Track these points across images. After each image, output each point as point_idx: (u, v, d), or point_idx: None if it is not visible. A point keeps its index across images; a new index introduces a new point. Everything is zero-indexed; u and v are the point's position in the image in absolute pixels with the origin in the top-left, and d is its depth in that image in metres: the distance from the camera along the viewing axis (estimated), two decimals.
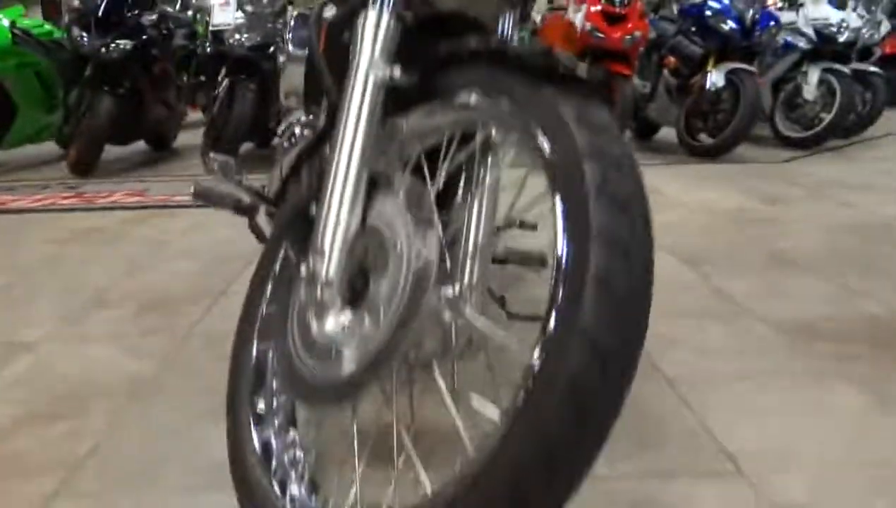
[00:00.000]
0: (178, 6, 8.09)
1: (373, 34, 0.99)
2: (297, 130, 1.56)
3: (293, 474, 1.00)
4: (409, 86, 0.99)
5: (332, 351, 0.89)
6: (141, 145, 5.31)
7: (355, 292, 0.90)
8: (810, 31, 5.17)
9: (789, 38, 5.20)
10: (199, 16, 7.85)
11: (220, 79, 4.60)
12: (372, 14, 0.99)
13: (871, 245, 2.60)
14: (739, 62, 4.69)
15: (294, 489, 0.98)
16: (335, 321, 0.88)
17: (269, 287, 1.14)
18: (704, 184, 3.83)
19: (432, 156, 1.02)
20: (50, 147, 5.19)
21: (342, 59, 1.02)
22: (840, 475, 1.18)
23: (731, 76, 4.61)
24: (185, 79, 5.78)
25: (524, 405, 0.64)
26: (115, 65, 4.41)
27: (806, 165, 4.50)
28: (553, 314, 0.66)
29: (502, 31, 1.27)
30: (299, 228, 0.99)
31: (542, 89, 0.83)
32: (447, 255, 0.89)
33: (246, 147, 5.01)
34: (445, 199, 1.04)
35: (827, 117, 5.05)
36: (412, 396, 0.97)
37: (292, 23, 1.57)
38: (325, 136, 1.17)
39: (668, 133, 5.37)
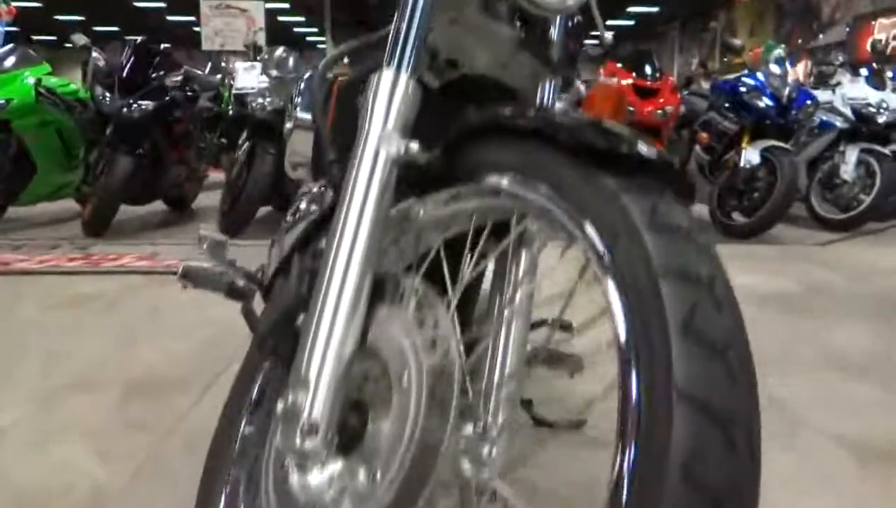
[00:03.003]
0: (207, 69, 8.21)
1: (387, 100, 0.80)
2: (303, 205, 1.39)
3: None
4: (428, 165, 0.80)
5: None
6: (159, 205, 5.23)
7: (348, 434, 0.69)
8: (847, 111, 5.01)
9: (825, 118, 5.04)
10: (226, 79, 7.94)
11: (240, 141, 4.53)
12: (387, 75, 0.81)
13: None
14: (775, 140, 4.53)
15: None
16: (320, 474, 0.67)
17: (251, 400, 0.94)
18: (742, 268, 3.60)
19: (453, 252, 0.83)
20: (69, 204, 5.12)
21: (354, 129, 0.85)
22: None
23: (766, 154, 4.44)
24: (209, 139, 5.75)
25: None
26: (135, 125, 4.35)
27: (846, 249, 4.26)
28: None
29: (541, 101, 1.10)
30: (284, 341, 0.80)
31: (599, 176, 0.64)
32: (469, 387, 0.69)
33: (265, 211, 4.89)
34: (467, 310, 0.85)
35: (866, 199, 4.84)
36: None
37: (302, 84, 1.42)
38: (324, 222, 0.99)
39: (698, 209, 5.18)
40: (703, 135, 4.79)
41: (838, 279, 3.34)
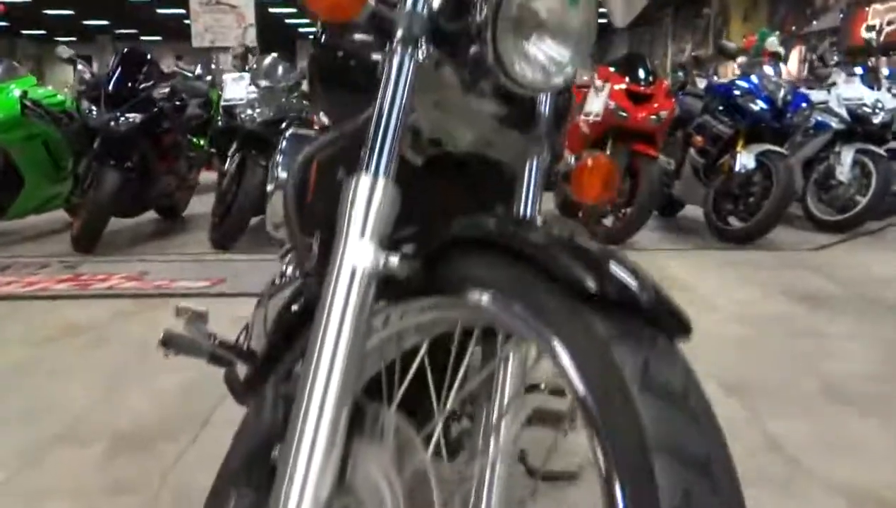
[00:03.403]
0: (197, 69, 8.11)
1: (364, 208, 0.76)
2: (289, 270, 1.35)
3: None
4: (408, 277, 0.76)
5: None
6: (150, 214, 5.17)
7: None
8: (843, 112, 4.97)
9: (820, 118, 5.00)
10: (216, 79, 7.85)
11: (230, 153, 4.47)
12: (364, 181, 0.77)
13: None
14: (770, 144, 4.48)
15: None
16: None
17: None
18: (738, 278, 3.58)
19: (439, 349, 0.79)
20: (58, 215, 5.07)
21: (333, 208, 0.79)
22: None
23: (762, 158, 4.40)
24: (200, 144, 5.68)
25: None
26: (123, 139, 4.28)
27: (843, 254, 4.24)
28: None
29: (530, 176, 1.05)
30: (259, 472, 0.75)
31: (585, 313, 0.61)
32: None
33: (257, 219, 4.83)
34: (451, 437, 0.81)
35: (862, 200, 4.81)
36: None
37: (284, 143, 1.37)
38: (306, 314, 0.94)
39: (692, 210, 5.15)
40: (698, 139, 4.74)
41: (837, 291, 3.30)
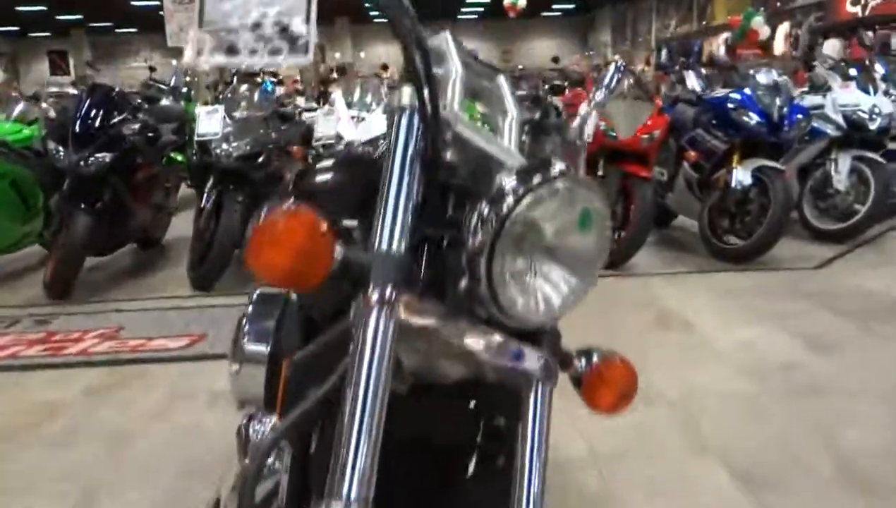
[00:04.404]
0: (172, 80, 7.88)
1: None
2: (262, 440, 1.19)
3: None
4: None
5: None
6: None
7: None
8: (839, 118, 4.82)
9: (816, 125, 4.84)
10: (191, 91, 7.62)
11: (206, 190, 4.28)
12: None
13: None
14: (766, 158, 4.34)
15: None
16: None
17: None
18: (739, 311, 3.45)
19: None
20: (34, 249, 4.89)
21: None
22: None
23: (757, 174, 4.26)
24: (178, 158, 5.48)
25: None
26: (93, 179, 4.09)
27: (844, 274, 4.11)
28: None
29: (535, 406, 0.89)
30: None
31: None
32: None
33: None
34: None
35: (861, 209, 4.68)
36: None
37: (250, 308, 1.21)
38: None
39: (687, 220, 5.02)
40: (691, 154, 4.59)
41: (845, 329, 3.16)
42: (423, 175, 0.80)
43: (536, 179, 0.74)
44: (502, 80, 1.01)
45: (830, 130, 4.84)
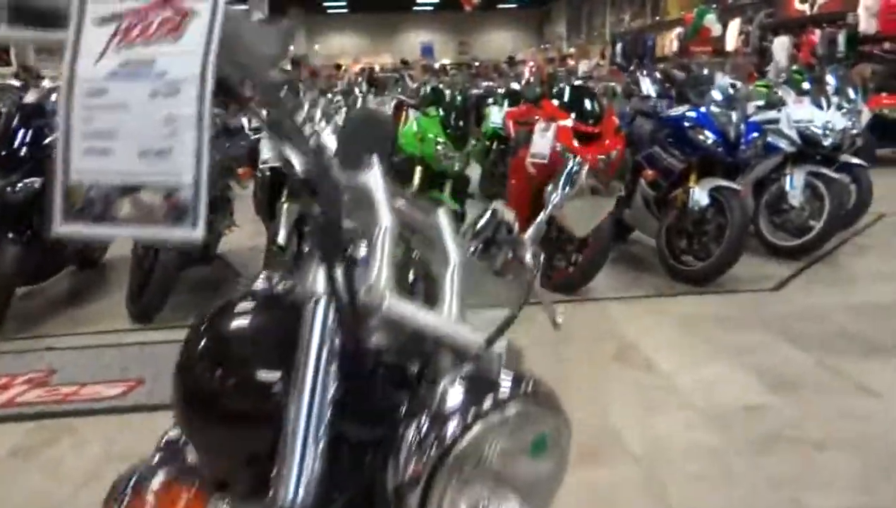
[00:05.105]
0: None
1: None
2: None
3: None
4: None
5: None
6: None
7: None
8: (793, 134, 4.80)
9: (770, 139, 4.82)
10: None
11: None
12: None
13: None
14: (723, 177, 4.30)
15: None
16: None
17: None
18: (700, 345, 3.39)
19: None
20: None
21: None
22: None
23: (714, 194, 4.21)
24: None
25: None
26: (22, 206, 3.83)
27: (803, 296, 4.09)
28: None
29: None
30: None
31: None
32: None
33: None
34: None
35: (816, 225, 4.69)
36: None
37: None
38: None
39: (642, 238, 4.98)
40: (648, 173, 4.52)
41: (805, 365, 3.10)
42: (342, 370, 0.67)
43: (487, 403, 0.61)
44: (442, 216, 0.87)
45: (785, 145, 4.83)
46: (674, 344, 3.41)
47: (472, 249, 1.02)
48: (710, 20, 14.10)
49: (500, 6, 31.21)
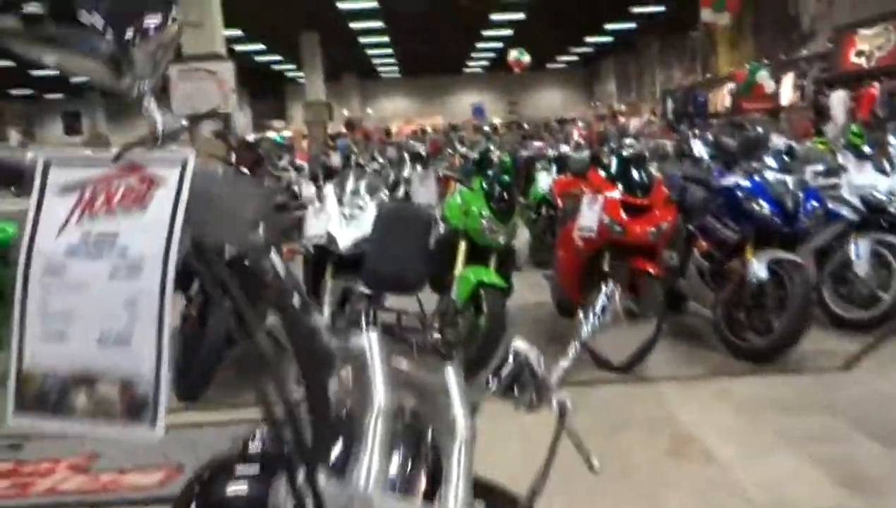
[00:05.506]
0: None
1: None
2: None
3: None
4: None
5: None
6: None
7: None
8: (856, 200, 4.58)
9: (831, 206, 4.60)
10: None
11: (192, 293, 4.08)
12: None
13: None
14: (781, 247, 4.09)
15: None
16: None
17: None
18: (763, 433, 3.15)
19: None
20: None
21: None
22: None
23: (774, 267, 4.00)
24: None
25: None
26: None
27: (875, 375, 3.81)
28: None
29: None
30: None
31: None
32: None
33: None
34: None
35: (886, 296, 4.41)
36: None
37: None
38: None
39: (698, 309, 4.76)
40: (702, 244, 4.35)
41: (880, 456, 2.84)
42: None
43: None
44: (451, 376, 0.78)
45: (847, 213, 4.60)
46: (734, 432, 3.19)
47: (492, 388, 0.93)
48: (763, 76, 13.90)
49: (549, 66, 31.60)
